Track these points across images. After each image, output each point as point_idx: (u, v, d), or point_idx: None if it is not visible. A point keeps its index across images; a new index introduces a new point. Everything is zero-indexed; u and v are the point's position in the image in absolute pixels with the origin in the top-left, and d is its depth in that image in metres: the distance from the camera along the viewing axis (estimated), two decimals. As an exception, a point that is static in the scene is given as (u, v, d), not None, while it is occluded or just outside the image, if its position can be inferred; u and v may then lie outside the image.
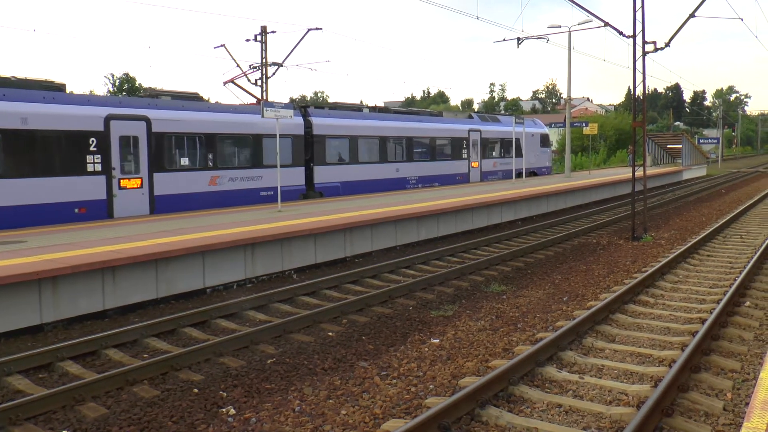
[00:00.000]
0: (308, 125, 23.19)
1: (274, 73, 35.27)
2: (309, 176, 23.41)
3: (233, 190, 20.37)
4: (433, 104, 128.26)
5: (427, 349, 8.81)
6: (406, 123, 27.81)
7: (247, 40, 36.55)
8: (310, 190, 23.45)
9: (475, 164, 31.97)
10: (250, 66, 34.58)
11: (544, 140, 38.22)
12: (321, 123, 23.75)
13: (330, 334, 9.59)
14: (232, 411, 6.93)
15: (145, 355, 8.91)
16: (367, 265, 14.23)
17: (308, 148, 23.21)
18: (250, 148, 21.05)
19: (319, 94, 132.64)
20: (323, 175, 23.80)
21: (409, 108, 29.16)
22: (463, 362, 8.22)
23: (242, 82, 36.29)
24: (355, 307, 10.87)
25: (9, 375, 8.06)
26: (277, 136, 18.71)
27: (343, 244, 15.28)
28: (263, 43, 35.94)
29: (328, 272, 14.04)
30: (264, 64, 35.79)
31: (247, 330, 9.50)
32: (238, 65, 35.12)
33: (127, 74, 68.93)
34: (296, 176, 22.67)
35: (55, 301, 10.29)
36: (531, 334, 9.44)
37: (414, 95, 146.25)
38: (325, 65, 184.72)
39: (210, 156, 19.76)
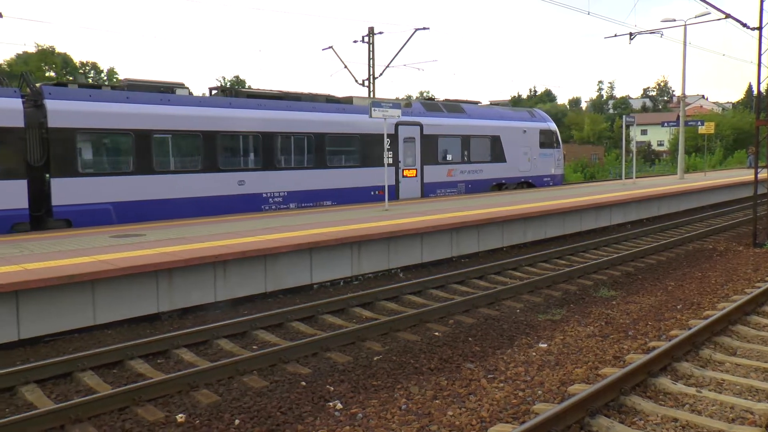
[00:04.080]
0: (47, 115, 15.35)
1: (381, 74, 35.56)
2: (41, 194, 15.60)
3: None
4: (540, 103, 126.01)
5: (534, 354, 8.64)
6: (260, 112, 19.31)
7: (355, 42, 37.08)
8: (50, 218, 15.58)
9: (409, 173, 23.36)
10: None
11: (547, 138, 29.06)
12: (72, 109, 15.68)
13: (436, 333, 9.57)
14: (339, 405, 7.02)
15: (254, 347, 9.17)
16: (474, 266, 14.12)
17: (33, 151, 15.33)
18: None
19: (424, 94, 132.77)
20: (76, 192, 15.75)
21: (284, 91, 21.04)
22: (572, 368, 8.01)
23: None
24: (462, 308, 10.80)
25: (131, 359, 8.51)
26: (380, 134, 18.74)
27: (450, 244, 15.22)
28: (370, 44, 36.31)
29: (435, 272, 14.03)
30: (371, 65, 36.16)
31: (353, 326, 9.62)
32: (345, 66, 35.70)
33: (237, 77, 71.02)
34: None
35: (170, 292, 10.75)
36: (642, 342, 9.09)
37: (520, 94, 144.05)
38: (432, 65, 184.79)
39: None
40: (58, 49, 77.51)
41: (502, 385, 7.52)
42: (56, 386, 7.86)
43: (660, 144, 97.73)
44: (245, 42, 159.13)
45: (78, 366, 8.16)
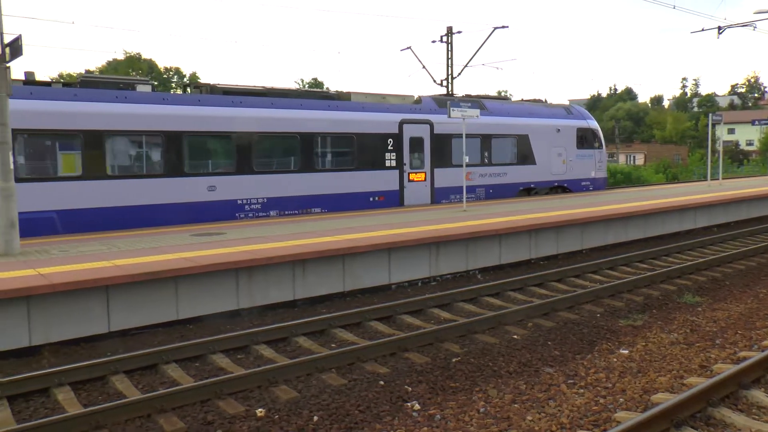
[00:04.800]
0: None
1: (459, 73, 35.43)
2: None
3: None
4: (620, 101, 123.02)
5: (615, 360, 8.43)
6: (235, 110, 17.54)
7: (433, 42, 37.04)
8: None
9: (416, 176, 21.16)
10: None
11: (586, 138, 26.24)
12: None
13: (515, 336, 9.46)
14: (417, 406, 7.02)
15: (332, 345, 9.26)
16: (552, 268, 13.89)
17: None
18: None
19: (502, 93, 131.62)
20: None
21: (268, 87, 19.27)
22: (655, 377, 7.78)
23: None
24: (541, 311, 10.64)
25: (213, 353, 8.73)
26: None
27: (528, 246, 15.02)
28: (449, 44, 36.21)
29: (513, 274, 13.87)
30: (449, 65, 36.07)
31: (432, 327, 9.61)
32: (423, 67, 35.71)
33: (315, 79, 71.95)
34: None
35: (250, 289, 10.98)
36: (732, 352, 8.74)
37: (600, 92, 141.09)
38: (511, 64, 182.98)
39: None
40: (144, 56, 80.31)
41: (582, 391, 7.37)
42: (143, 377, 8.15)
43: (749, 143, 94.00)
44: (325, 44, 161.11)
45: (162, 358, 8.44)
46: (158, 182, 16.27)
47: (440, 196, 21.81)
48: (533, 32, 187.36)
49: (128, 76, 16.77)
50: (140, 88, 16.79)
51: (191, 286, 10.38)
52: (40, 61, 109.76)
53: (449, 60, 35.96)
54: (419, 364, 8.30)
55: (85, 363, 8.11)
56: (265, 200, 17.93)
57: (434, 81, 35.43)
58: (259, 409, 6.95)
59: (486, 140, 22.85)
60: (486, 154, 22.89)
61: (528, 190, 24.30)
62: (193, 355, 8.72)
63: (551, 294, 12.05)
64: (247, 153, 17.60)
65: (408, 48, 35.96)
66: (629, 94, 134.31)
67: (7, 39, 11.19)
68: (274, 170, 18.16)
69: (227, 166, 17.41)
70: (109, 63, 74.87)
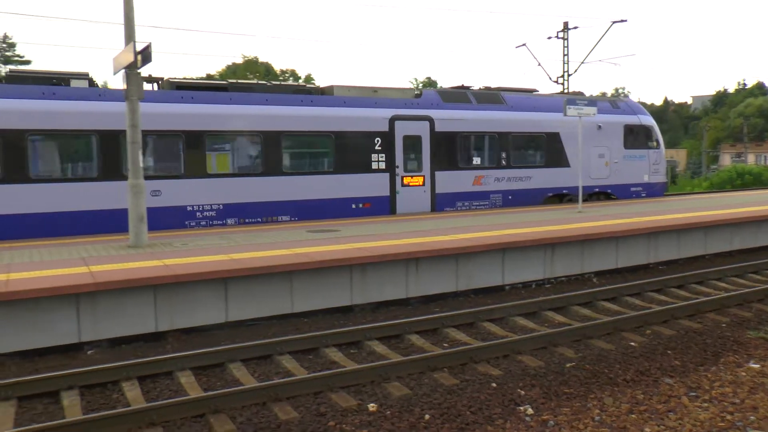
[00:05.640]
0: None
1: (576, 70, 34.63)
2: None
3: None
4: (750, 97, 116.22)
5: (744, 374, 7.96)
6: (184, 107, 15.82)
7: (549, 38, 36.43)
8: None
9: (412, 180, 18.65)
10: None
11: (637, 136, 22.89)
12: None
13: (632, 344, 9.11)
14: (530, 410, 6.88)
15: (445, 344, 9.23)
16: (673, 274, 13.31)
17: None
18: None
19: (620, 90, 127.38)
20: None
21: (232, 81, 17.56)
22: (790, 394, 7.29)
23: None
24: (660, 318, 10.20)
25: (326, 347, 8.89)
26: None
27: (647, 250, 14.45)
28: (565, 40, 35.48)
29: (630, 278, 13.39)
30: (565, 61, 35.31)
31: (545, 330, 9.42)
32: (539, 64, 35.15)
33: (428, 78, 72.20)
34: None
35: (363, 286, 11.10)
36: None
37: (726, 88, 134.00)
38: (630, 59, 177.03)
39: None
40: (261, 59, 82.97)
41: (706, 405, 7.00)
42: (258, 366, 8.39)
43: None
44: (439, 43, 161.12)
45: (277, 349, 8.66)
46: (90, 186, 14.88)
47: (444, 203, 19.21)
48: (653, 26, 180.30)
49: (65, 71, 14.66)
50: (75, 83, 15.40)
51: (306, 280, 10.61)
52: (166, 67, 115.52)
53: (565, 56, 35.25)
54: (532, 367, 8.14)
55: (205, 350, 8.46)
56: (221, 207, 16.10)
57: (549, 78, 34.87)
58: (371, 404, 7.01)
59: (503, 138, 20.05)
60: (503, 154, 20.08)
61: (560, 197, 21.46)
62: (307, 347, 8.90)
63: (671, 301, 11.54)
64: (198, 154, 15.87)
65: (523, 45, 35.55)
66: (760, 89, 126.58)
67: (138, 47, 11.85)
68: (232, 173, 16.21)
69: (174, 169, 15.77)
70: (228, 67, 77.82)
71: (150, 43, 11.75)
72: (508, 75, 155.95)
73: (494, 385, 7.57)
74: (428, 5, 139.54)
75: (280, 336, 9.36)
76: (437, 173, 18.95)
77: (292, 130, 16.91)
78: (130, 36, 12.05)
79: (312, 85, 18.56)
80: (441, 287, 11.83)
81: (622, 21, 32.96)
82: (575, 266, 13.37)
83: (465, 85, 20.81)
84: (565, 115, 17.60)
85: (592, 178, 21.70)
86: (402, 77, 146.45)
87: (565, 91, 34.25)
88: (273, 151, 16.64)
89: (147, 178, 14.48)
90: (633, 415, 6.72)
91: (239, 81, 17.44)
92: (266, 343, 8.75)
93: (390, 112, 18.23)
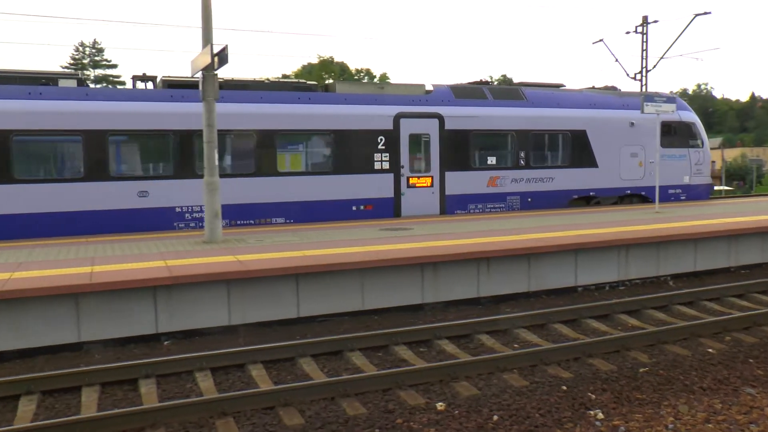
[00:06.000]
0: None
1: (654, 65, 33.73)
2: None
3: None
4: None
5: (833, 386, 7.61)
6: (174, 106, 15.45)
7: (627, 33, 35.65)
8: None
9: (419, 181, 17.77)
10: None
11: (676, 133, 21.10)
12: None
13: (710, 350, 8.81)
14: (601, 415, 6.74)
15: (515, 345, 9.14)
16: (756, 279, 12.81)
17: None
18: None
19: (701, 86, 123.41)
20: None
21: (227, 79, 16.63)
22: None
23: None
24: (741, 325, 9.82)
25: (396, 345, 8.92)
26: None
27: (728, 252, 13.95)
28: (644, 35, 34.60)
29: (708, 282, 12.95)
30: (644, 57, 34.45)
31: (618, 334, 9.21)
32: (616, 60, 34.41)
33: (504, 75, 71.63)
34: None
35: (434, 285, 11.10)
36: None
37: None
38: (713, 54, 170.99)
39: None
40: (336, 59, 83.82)
41: (790, 416, 6.72)
42: (328, 362, 8.49)
43: None
44: (514, 40, 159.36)
45: (348, 346, 8.74)
46: (77, 187, 14.61)
47: (455, 205, 18.19)
48: (739, 18, 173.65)
49: (53, 72, 14.32)
50: (63, 83, 15.21)
51: (377, 278, 10.68)
52: (243, 68, 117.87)
53: (644, 51, 34.36)
54: (604, 371, 7.97)
55: (276, 344, 8.61)
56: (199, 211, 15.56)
57: (627, 75, 34.07)
58: (440, 403, 7.00)
59: (522, 137, 18.81)
60: (522, 154, 18.83)
61: (587, 199, 20.09)
62: (377, 345, 8.95)
63: (754, 307, 11.10)
64: (188, 154, 15.43)
65: (600, 41, 34.76)
66: None
67: (215, 49, 12.17)
68: (224, 174, 15.29)
69: (163, 169, 15.51)
70: (303, 67, 78.93)
71: (226, 45, 12.06)
72: (584, 72, 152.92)
73: (564, 388, 7.45)
74: (504, 1, 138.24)
75: (350, 332, 9.45)
76: (447, 174, 18.01)
77: (287, 129, 16.32)
78: (207, 39, 12.42)
79: (313, 83, 18.14)
80: (512, 287, 11.72)
81: (705, 13, 31.97)
82: (650, 268, 13.02)
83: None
84: (643, 112, 17.10)
85: (622, 179, 20.36)
86: (476, 75, 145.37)
87: (643, 88, 33.39)
88: (267, 151, 16.12)
89: (134, 179, 15.00)
90: (709, 425, 6.50)
91: (235, 79, 16.83)
92: (337, 339, 8.85)
93: (394, 110, 17.37)
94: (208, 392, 7.35)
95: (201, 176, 14.33)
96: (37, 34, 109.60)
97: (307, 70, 77.97)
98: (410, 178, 17.62)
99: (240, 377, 7.98)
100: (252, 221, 15.99)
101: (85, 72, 67.98)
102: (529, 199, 19.08)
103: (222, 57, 12.05)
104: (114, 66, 72.96)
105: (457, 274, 11.24)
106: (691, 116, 21.53)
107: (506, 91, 19.34)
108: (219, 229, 12.69)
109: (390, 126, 17.27)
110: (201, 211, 15.26)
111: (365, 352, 8.77)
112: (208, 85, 12.43)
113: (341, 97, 17.07)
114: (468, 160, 18.22)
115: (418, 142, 17.68)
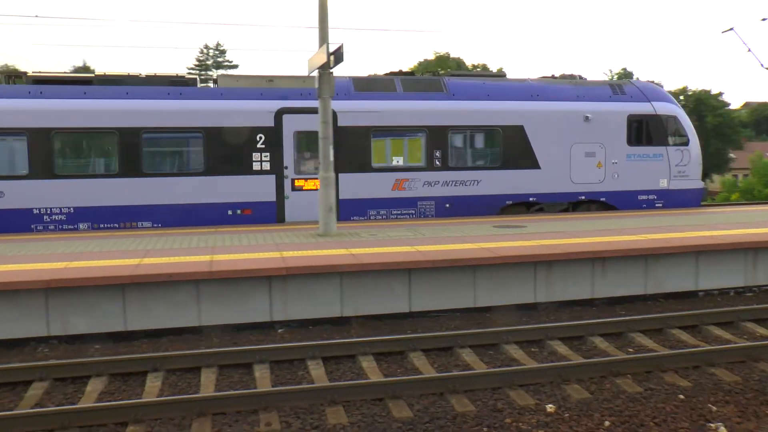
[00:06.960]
0: None
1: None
2: None
3: None
4: None
5: None
6: (28, 102, 14.65)
7: (763, 20, 33.61)
8: None
9: (307, 183, 15.99)
10: None
11: (649, 129, 17.96)
12: None
13: None
14: (723, 429, 6.40)
15: (630, 349, 8.84)
16: None
17: None
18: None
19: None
20: None
21: (98, 74, 15.86)
22: None
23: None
24: None
25: (507, 343, 8.83)
26: None
27: None
28: (783, 23, 32.57)
29: None
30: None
31: (744, 343, 8.74)
32: (749, 50, 32.49)
33: (624, 69, 69.32)
34: None
35: (548, 284, 10.90)
36: None
37: None
38: None
39: None
40: (452, 55, 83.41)
41: None
42: (438, 357, 8.51)
43: None
44: (636, 31, 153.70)
45: (458, 342, 8.73)
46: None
47: (350, 210, 16.22)
48: None
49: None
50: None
51: (489, 275, 10.60)
52: (360, 65, 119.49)
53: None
54: (727, 382, 7.57)
55: (387, 337, 8.73)
56: (72, 210, 14.76)
57: (761, 65, 32.15)
58: (550, 405, 6.89)
59: (438, 134, 16.58)
60: (438, 153, 16.61)
61: (528, 205, 17.39)
62: (488, 342, 8.89)
63: None
64: (45, 153, 14.62)
65: (730, 29, 32.89)
66: None
67: (331, 48, 12.50)
68: (83, 174, 14.72)
69: (18, 169, 14.62)
70: (420, 63, 79.10)
71: (341, 44, 12.35)
72: (711, 63, 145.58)
73: (682, 397, 7.14)
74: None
75: (462, 329, 9.43)
76: (342, 176, 15.89)
77: (153, 126, 15.15)
78: (323, 38, 12.79)
79: (193, 77, 16.70)
80: (628, 289, 11.34)
81: None
82: (781, 274, 12.27)
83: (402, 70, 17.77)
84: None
85: (574, 183, 17.53)
86: (597, 69, 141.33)
87: None
88: (130, 150, 15.02)
89: None
90: None
91: (107, 74, 15.82)
92: (448, 335, 8.86)
93: (276, 105, 15.76)
94: (319, 380, 7.55)
95: (61, 177, 14.59)
96: (165, 38, 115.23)
97: (424, 67, 78.11)
98: (296, 180, 16.00)
99: (351, 368, 8.13)
100: (116, 225, 15.10)
101: (209, 73, 70.89)
102: (447, 205, 16.79)
103: (338, 55, 12.36)
104: (235, 66, 75.72)
105: (571, 273, 10.98)
106: (670, 108, 18.37)
107: (423, 83, 17.36)
108: (333, 222, 12.98)
109: (271, 123, 15.73)
110: (60, 213, 14.76)
111: (476, 349, 8.72)
112: (324, 82, 12.75)
113: (217, 91, 15.85)
114: (368, 160, 16.31)
115: (305, 140, 15.98)
